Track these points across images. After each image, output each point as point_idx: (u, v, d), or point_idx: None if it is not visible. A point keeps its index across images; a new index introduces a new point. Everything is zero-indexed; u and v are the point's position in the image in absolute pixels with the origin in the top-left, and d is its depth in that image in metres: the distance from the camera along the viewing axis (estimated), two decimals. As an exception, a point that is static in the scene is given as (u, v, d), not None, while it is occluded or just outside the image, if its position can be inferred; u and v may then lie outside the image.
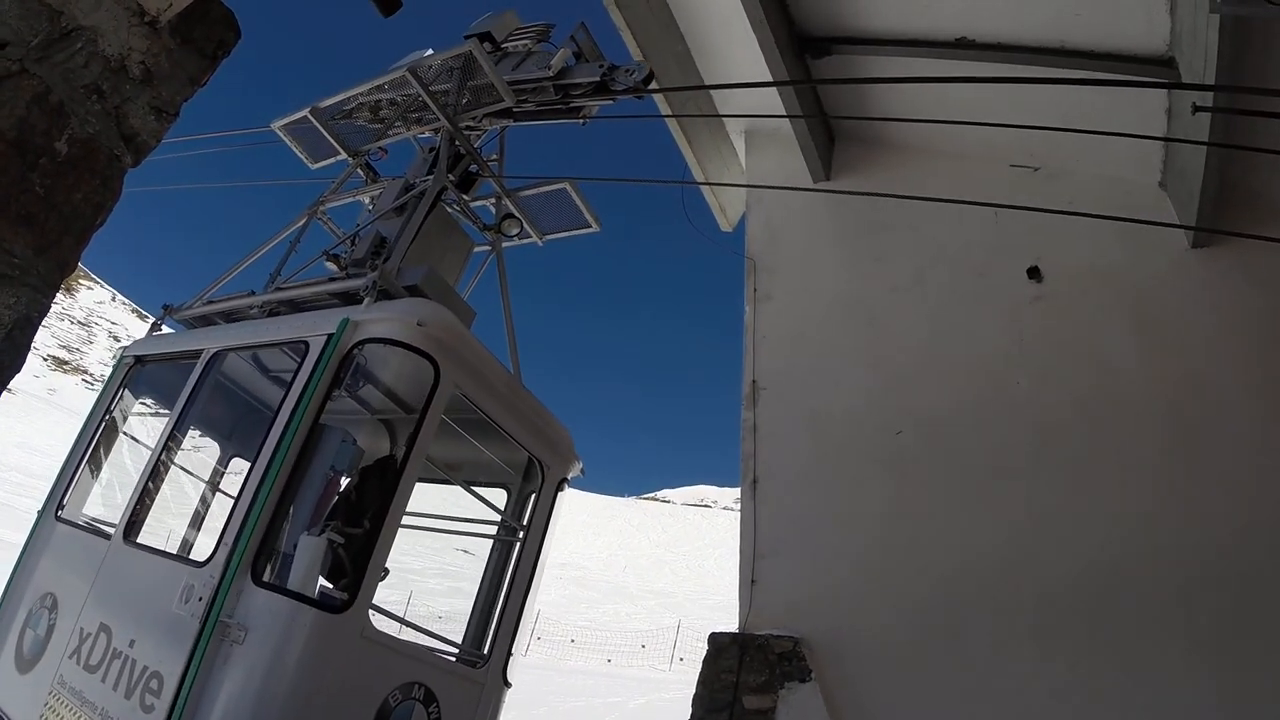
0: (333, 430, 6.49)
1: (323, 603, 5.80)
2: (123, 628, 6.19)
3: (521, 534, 7.94)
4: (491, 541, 8.57)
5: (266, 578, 5.90)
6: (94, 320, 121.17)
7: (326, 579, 6.12)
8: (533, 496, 8.20)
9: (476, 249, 9.30)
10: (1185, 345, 9.80)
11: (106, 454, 8.34)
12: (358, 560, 5.96)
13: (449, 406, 6.86)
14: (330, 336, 6.45)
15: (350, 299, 7.24)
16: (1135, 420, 9.57)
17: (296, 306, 7.70)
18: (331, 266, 8.25)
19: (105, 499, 8.18)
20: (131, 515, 7.02)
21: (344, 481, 6.96)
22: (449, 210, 8.99)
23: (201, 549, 7.47)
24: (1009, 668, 8.74)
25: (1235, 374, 9.44)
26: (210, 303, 8.40)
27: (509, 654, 7.51)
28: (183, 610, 5.75)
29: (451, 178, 8.75)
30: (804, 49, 10.72)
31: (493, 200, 9.65)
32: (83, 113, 2.90)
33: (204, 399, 7.64)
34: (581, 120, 9.05)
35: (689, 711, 9.38)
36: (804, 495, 10.46)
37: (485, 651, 7.47)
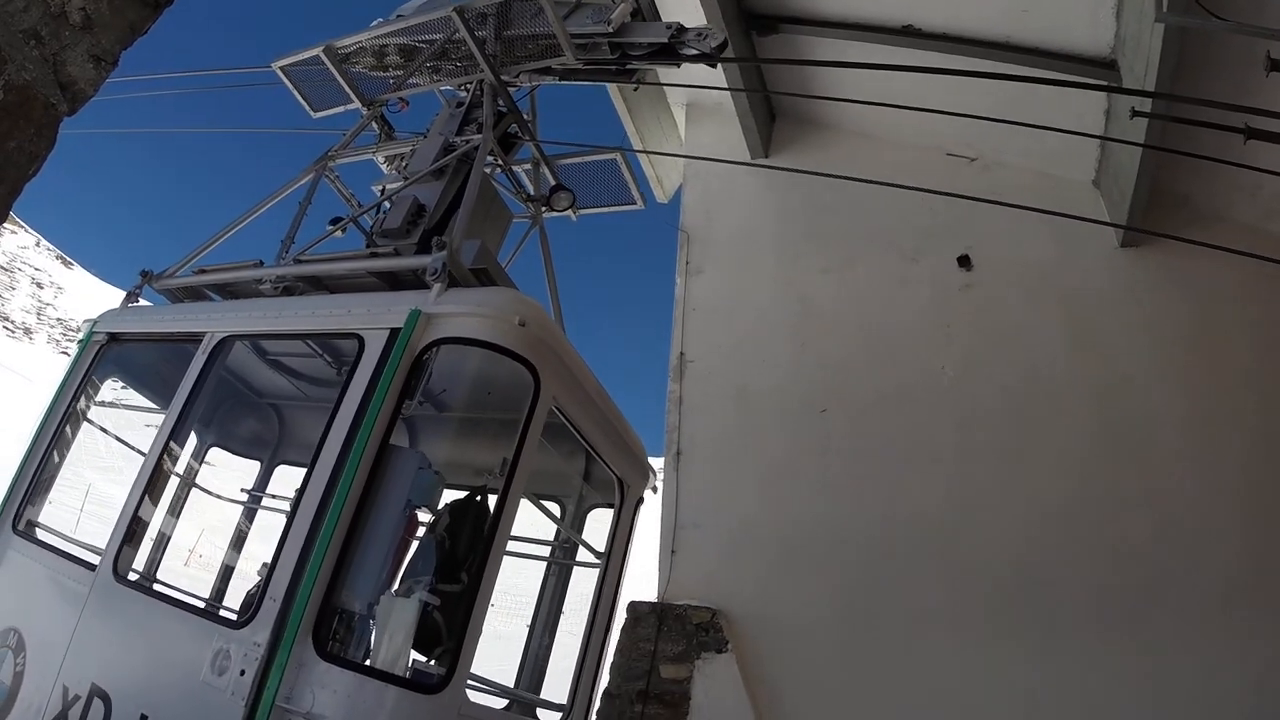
0: (407, 454, 5.25)
1: (418, 682, 4.71)
2: (127, 697, 4.87)
3: (603, 561, 6.78)
4: (548, 564, 7.56)
5: (336, 649, 4.66)
6: (16, 266, 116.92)
7: (415, 648, 5.00)
8: (611, 518, 7.00)
9: (515, 220, 8.06)
10: (1110, 341, 10.10)
11: (74, 453, 6.94)
12: (454, 624, 4.81)
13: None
14: (395, 331, 5.12)
15: (396, 281, 5.94)
16: (1059, 412, 9.85)
17: (321, 285, 6.30)
18: (330, 229, 7.21)
19: (78, 512, 7.02)
20: (123, 544, 5.61)
21: (421, 519, 5.77)
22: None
23: (228, 596, 6.45)
24: (923, 648, 8.96)
25: (1158, 372, 9.78)
26: (203, 271, 6.90)
27: (590, 704, 6.48)
28: (215, 683, 4.47)
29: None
30: (751, 25, 10.72)
31: (528, 166, 8.40)
32: (20, 59, 2.77)
33: (210, 396, 6.44)
34: (635, 85, 8.40)
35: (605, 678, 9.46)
36: (727, 469, 10.56)
37: (566, 702, 6.35)
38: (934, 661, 8.87)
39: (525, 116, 7.98)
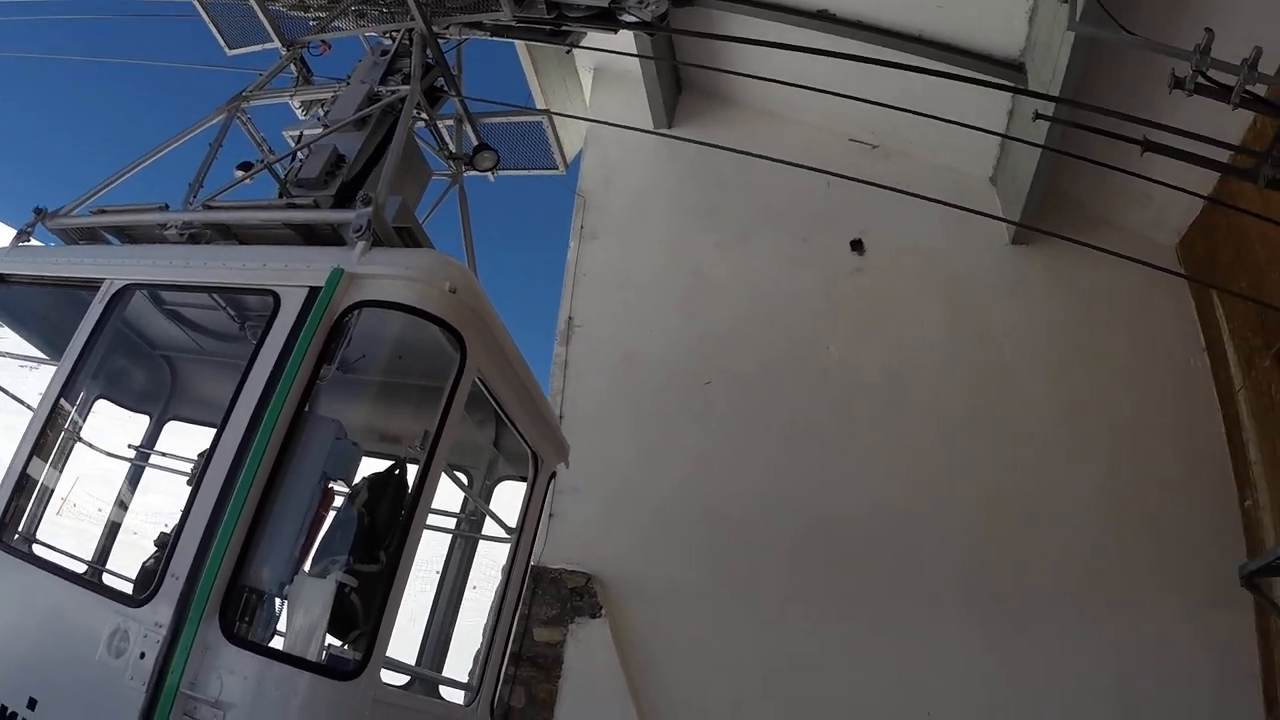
0: (324, 423, 4.80)
1: (333, 668, 4.35)
2: (12, 678, 4.37)
3: (515, 536, 6.35)
4: (453, 537, 7.12)
5: (245, 632, 4.27)
6: None
7: (330, 631, 4.59)
8: (524, 492, 6.58)
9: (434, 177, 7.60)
10: (993, 332, 10.48)
11: None
12: (371, 606, 4.45)
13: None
14: (315, 291, 4.71)
15: (313, 235, 5.53)
16: (938, 397, 10.18)
17: (231, 234, 5.78)
18: (240, 175, 6.58)
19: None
20: (8, 507, 5.08)
21: (335, 491, 5.25)
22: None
23: (123, 564, 5.71)
24: (793, 617, 9.20)
25: (1035, 365, 10.22)
26: (102, 212, 6.30)
27: (499, 682, 6.13)
28: (113, 665, 4.07)
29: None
30: (668, -5, 10.64)
31: (449, 122, 7.87)
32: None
33: (107, 347, 5.82)
34: (568, 48, 8.08)
35: (478, 640, 9.39)
36: (609, 435, 10.56)
37: (475, 683, 5.94)
38: (803, 631, 9.14)
39: (452, 71, 7.61)
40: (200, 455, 4.73)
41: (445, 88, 7.53)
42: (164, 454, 6.87)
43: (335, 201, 5.88)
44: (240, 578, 4.18)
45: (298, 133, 7.31)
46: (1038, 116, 7.50)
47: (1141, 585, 8.90)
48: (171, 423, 7.47)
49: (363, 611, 4.53)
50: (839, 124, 11.15)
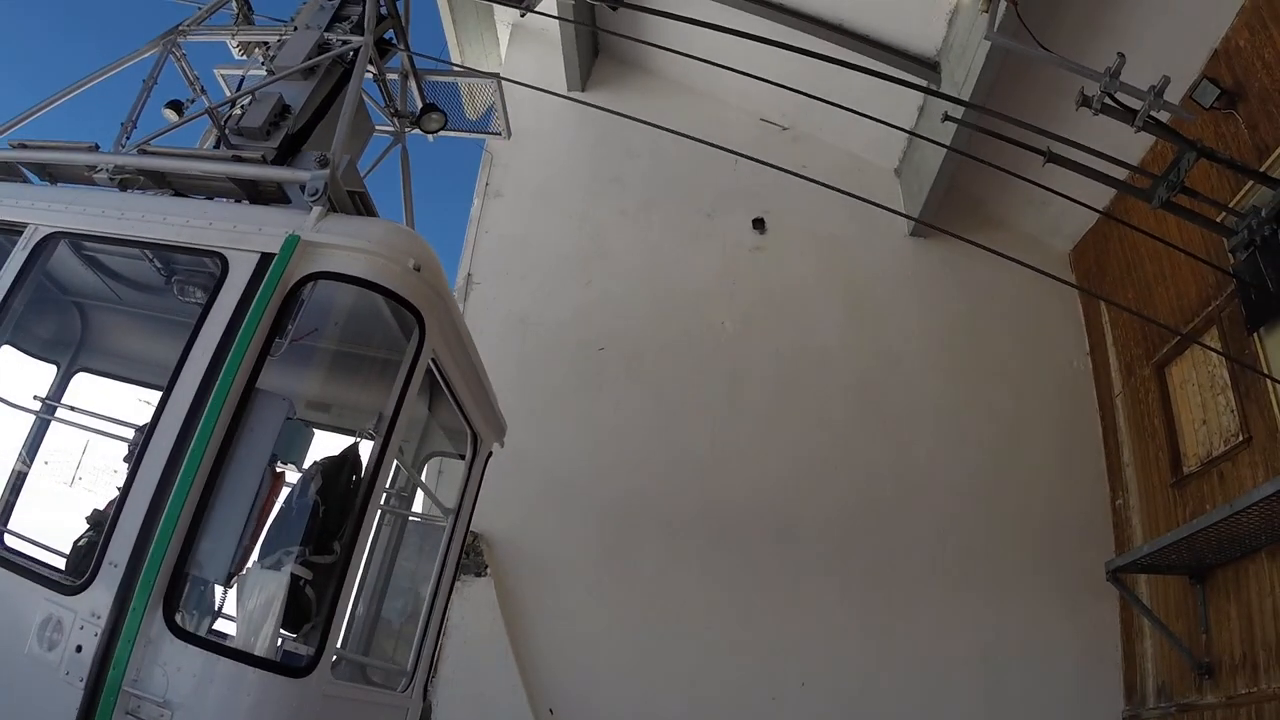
0: (275, 401, 4.45)
1: (287, 665, 4.08)
2: None
3: (452, 516, 6.14)
4: (381, 515, 6.54)
5: (192, 624, 4.03)
6: None
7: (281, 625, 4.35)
8: (462, 470, 6.33)
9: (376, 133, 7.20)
10: (885, 320, 10.73)
11: None
12: (324, 599, 4.22)
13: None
14: (268, 257, 4.41)
15: (257, 191, 5.17)
16: (827, 379, 10.39)
17: (165, 182, 5.34)
18: (171, 115, 6.26)
19: None
20: None
21: (283, 474, 4.89)
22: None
23: (53, 540, 5.00)
24: (675, 584, 9.33)
25: (925, 354, 10.51)
26: (22, 146, 5.74)
27: (433, 666, 6.02)
28: (45, 659, 3.76)
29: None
30: (597, -37, 10.49)
31: (394, 78, 7.40)
32: None
33: (28, 299, 5.21)
34: (523, 10, 7.82)
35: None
36: (500, 395, 10.45)
37: (411, 666, 5.69)
38: (685, 598, 9.29)
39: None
40: (140, 430, 4.30)
41: (395, 41, 7.10)
42: (71, 407, 6.20)
43: (278, 155, 5.44)
44: (185, 566, 3.90)
45: (235, 74, 6.93)
46: (946, 118, 7.65)
47: (1014, 573, 9.30)
48: (81, 374, 6.68)
49: (315, 603, 4.27)
50: (752, 103, 11.20)
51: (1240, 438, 7.56)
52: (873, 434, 10.11)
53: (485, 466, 6.43)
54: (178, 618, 3.81)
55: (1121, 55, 6.46)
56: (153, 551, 3.77)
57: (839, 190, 7.37)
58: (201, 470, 3.93)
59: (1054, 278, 8.23)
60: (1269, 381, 7.11)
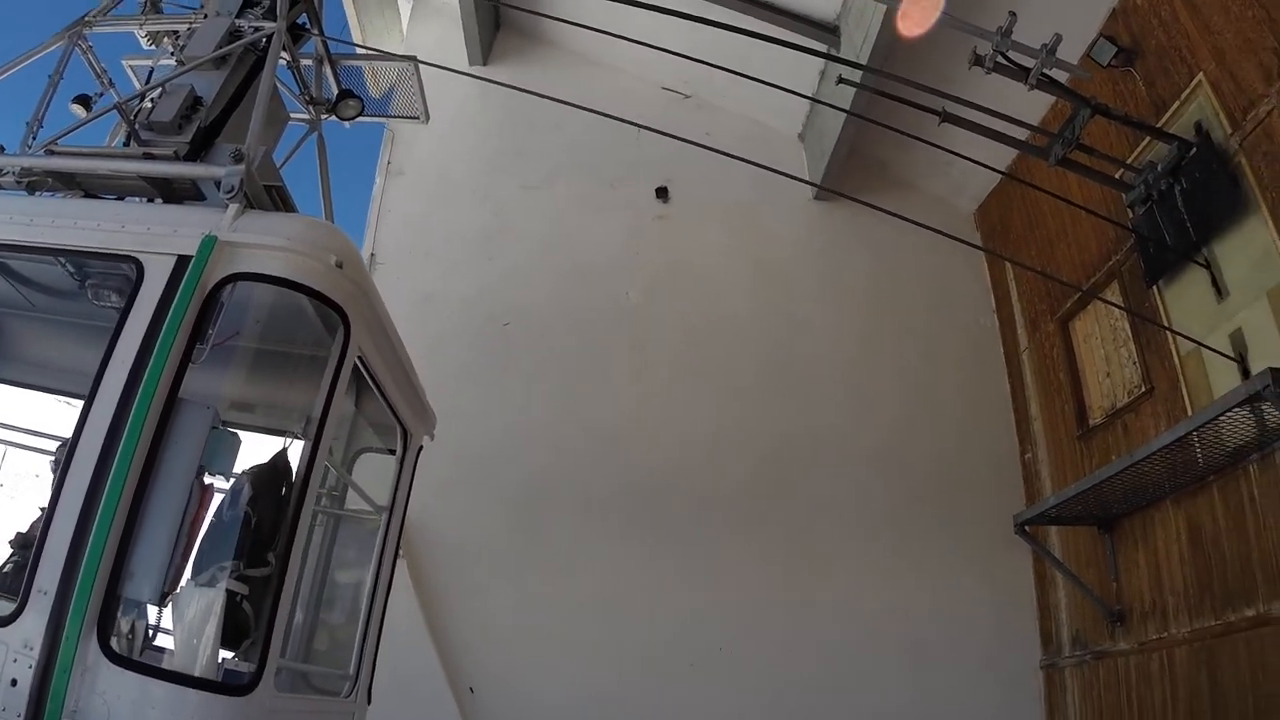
0: (199, 410, 4.24)
1: (229, 684, 4.00)
2: None
3: (385, 514, 5.98)
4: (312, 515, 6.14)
5: (129, 649, 3.88)
6: None
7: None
8: (394, 467, 6.17)
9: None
10: (792, 285, 10.76)
11: None
12: (262, 612, 4.11)
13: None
14: (184, 260, 4.21)
15: (170, 189, 4.93)
16: (734, 345, 10.39)
17: (75, 183, 5.03)
18: (78, 110, 5.90)
19: None
20: None
21: (212, 486, 4.68)
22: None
23: None
24: (589, 559, 9.30)
25: (834, 318, 10.58)
26: None
27: (374, 666, 5.74)
28: None
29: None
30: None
31: (308, 63, 7.03)
32: None
33: None
34: None
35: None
36: (410, 377, 10.36)
37: (353, 671, 5.56)
38: (601, 571, 9.28)
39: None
40: (59, 450, 4.24)
41: (308, 25, 6.77)
42: None
43: (191, 149, 5.15)
44: (118, 588, 3.73)
45: (144, 64, 6.45)
46: (842, 81, 7.66)
47: (930, 529, 9.42)
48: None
49: (253, 618, 4.15)
50: (653, 72, 11.10)
51: (1143, 389, 7.72)
52: (784, 398, 10.14)
53: (416, 460, 6.30)
54: (113, 643, 3.67)
55: (1013, 14, 6.50)
56: (83, 575, 3.62)
57: (740, 158, 7.35)
58: (128, 487, 3.78)
59: (955, 239, 8.35)
60: (1169, 333, 7.25)
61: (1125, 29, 8.00)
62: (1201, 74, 6.99)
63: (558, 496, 9.57)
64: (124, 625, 3.88)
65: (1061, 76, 6.76)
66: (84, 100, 6.04)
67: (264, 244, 4.33)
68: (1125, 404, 8.00)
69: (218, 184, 4.61)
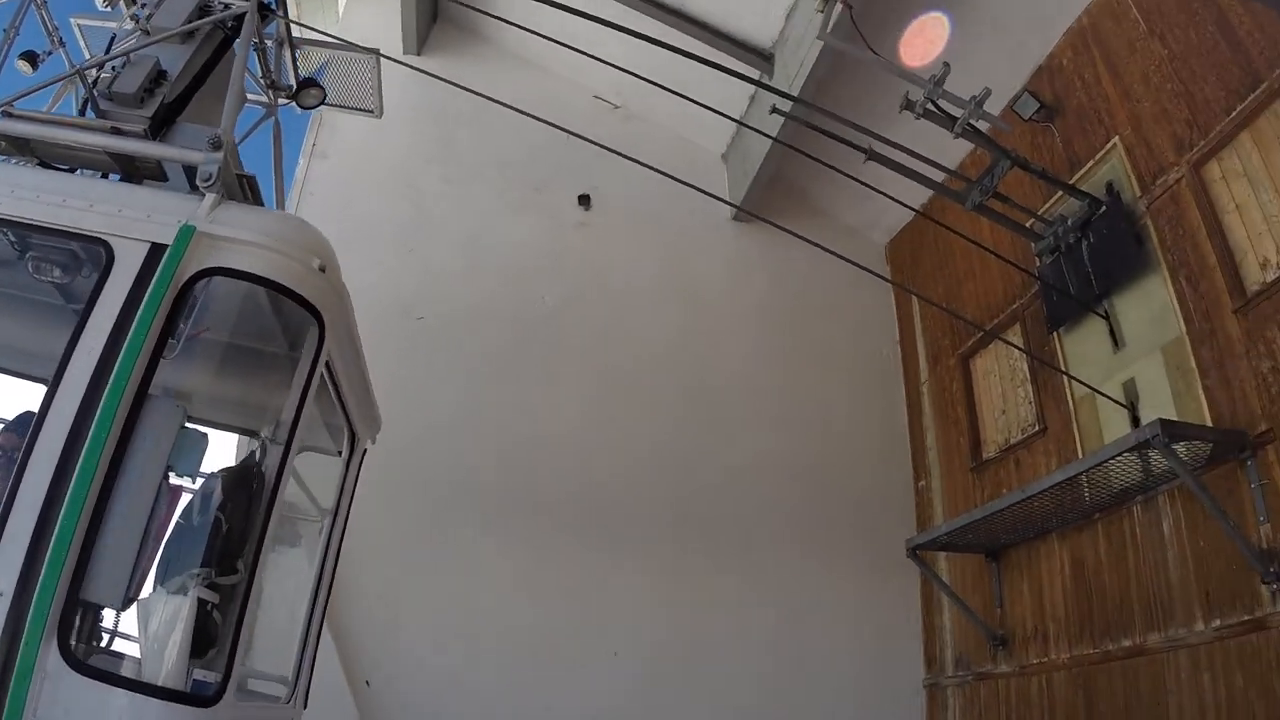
0: (166, 406, 4.03)
1: (195, 695, 3.80)
2: None
3: (330, 517, 5.84)
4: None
5: (91, 658, 3.67)
6: None
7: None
8: (340, 469, 6.01)
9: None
10: (705, 302, 10.98)
11: None
12: (229, 621, 3.98)
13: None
14: (158, 249, 3.98)
15: (132, 168, 4.67)
16: (645, 358, 10.52)
17: (28, 149, 4.75)
18: (24, 67, 5.49)
19: None
20: None
21: (180, 488, 4.51)
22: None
23: None
24: (492, 557, 9.28)
25: (741, 337, 10.84)
26: None
27: (312, 670, 5.55)
28: None
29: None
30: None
31: (269, 44, 6.66)
32: None
33: None
34: None
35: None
36: (318, 366, 10.23)
37: (293, 676, 5.39)
38: (502, 572, 9.28)
39: None
40: (19, 441, 3.89)
41: (274, 6, 6.41)
42: None
43: (152, 125, 4.86)
44: (80, 592, 3.53)
45: (93, 25, 6.08)
46: (775, 110, 7.94)
47: (826, 549, 9.70)
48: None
49: (220, 627, 4.00)
50: (587, 79, 11.19)
51: (1036, 428, 8.19)
52: (692, 413, 10.34)
53: (361, 464, 6.15)
54: (76, 650, 3.49)
55: (946, 65, 6.87)
56: (44, 578, 3.40)
57: (664, 174, 7.53)
58: (93, 487, 3.56)
59: (867, 270, 8.69)
60: (1065, 377, 7.71)
61: (1049, 87, 8.48)
62: (1117, 138, 7.51)
63: (463, 494, 9.51)
64: (87, 631, 3.74)
65: (983, 126, 7.14)
66: (30, 57, 5.66)
67: (244, 239, 4.15)
68: (1019, 440, 8.45)
69: (191, 170, 4.43)
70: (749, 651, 9.23)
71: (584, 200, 11.33)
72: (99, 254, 4.02)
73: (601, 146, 7.66)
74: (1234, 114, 6.36)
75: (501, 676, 8.77)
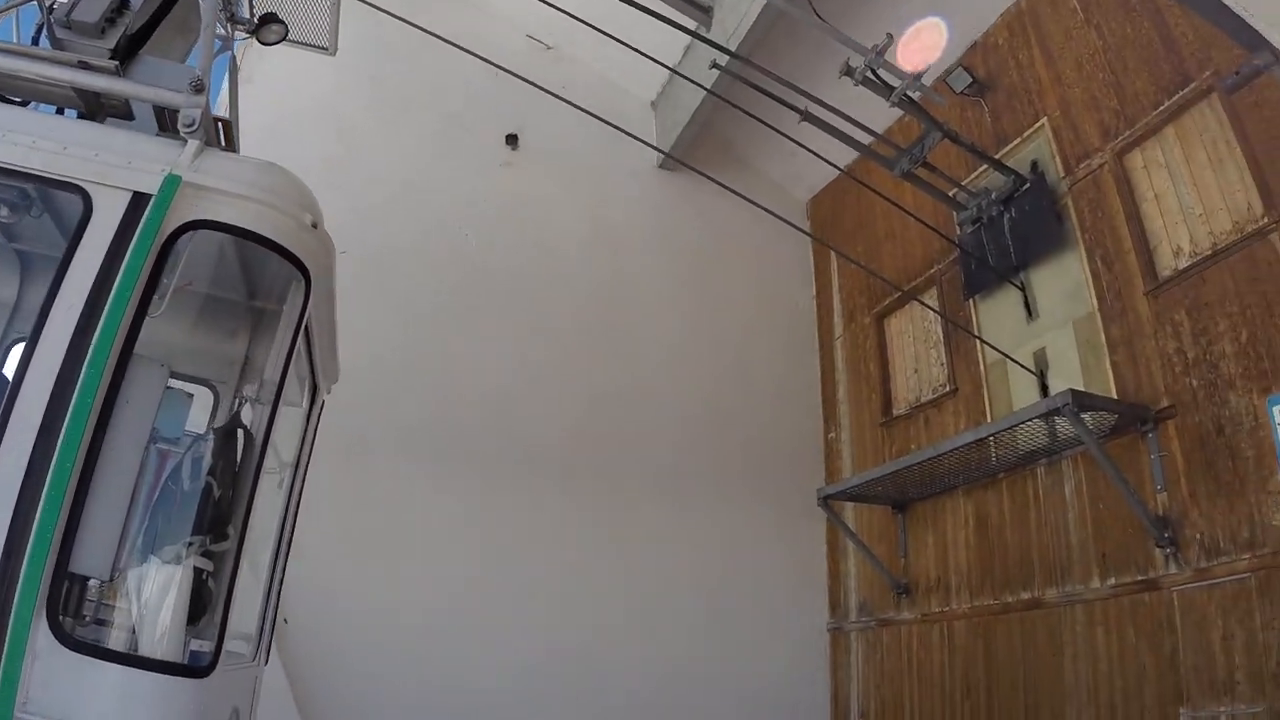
0: (151, 367, 3.79)
1: (191, 667, 3.65)
2: None
3: (290, 470, 5.59)
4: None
5: (83, 633, 3.50)
6: None
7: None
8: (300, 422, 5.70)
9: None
10: (628, 245, 11.15)
11: None
12: (221, 589, 3.83)
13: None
14: (142, 199, 3.69)
15: (96, 105, 4.35)
16: (565, 299, 10.64)
17: None
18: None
19: None
20: None
21: (167, 451, 4.40)
22: None
23: None
24: (406, 493, 9.31)
25: (661, 284, 11.01)
26: None
27: (273, 626, 5.39)
28: None
29: None
30: None
31: None
32: None
33: None
34: None
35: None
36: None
37: (256, 633, 5.18)
38: (415, 507, 9.35)
39: None
40: None
41: None
42: None
43: (113, 58, 4.37)
44: (69, 565, 3.31)
45: None
46: (714, 65, 8.07)
47: (734, 494, 10.02)
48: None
49: (212, 595, 3.86)
50: (521, 17, 11.06)
51: (948, 388, 8.61)
52: (609, 355, 10.50)
53: (320, 415, 5.95)
54: (66, 625, 3.31)
55: (890, 35, 7.08)
56: (32, 551, 3.21)
57: (593, 115, 7.60)
58: (80, 453, 3.35)
59: (790, 224, 8.92)
60: (979, 342, 8.09)
61: (982, 63, 8.77)
62: (1046, 119, 7.86)
63: (377, 429, 9.40)
64: (77, 606, 3.54)
65: (916, 95, 7.38)
66: None
67: (233, 191, 3.87)
68: (929, 399, 8.88)
69: (170, 114, 4.14)
70: (663, 589, 9.52)
71: (512, 140, 11.29)
72: (81, 206, 3.75)
73: (532, 84, 7.65)
74: (1161, 108, 6.75)
75: (422, 616, 8.83)
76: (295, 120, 10.80)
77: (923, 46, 7.43)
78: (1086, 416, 6.27)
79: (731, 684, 9.21)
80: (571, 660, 8.97)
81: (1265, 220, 5.88)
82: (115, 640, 3.77)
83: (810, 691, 9.50)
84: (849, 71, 7.27)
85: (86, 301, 3.50)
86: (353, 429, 9.34)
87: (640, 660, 9.15)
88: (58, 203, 4.05)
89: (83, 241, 3.62)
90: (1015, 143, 8.17)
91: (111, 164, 3.77)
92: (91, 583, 3.60)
